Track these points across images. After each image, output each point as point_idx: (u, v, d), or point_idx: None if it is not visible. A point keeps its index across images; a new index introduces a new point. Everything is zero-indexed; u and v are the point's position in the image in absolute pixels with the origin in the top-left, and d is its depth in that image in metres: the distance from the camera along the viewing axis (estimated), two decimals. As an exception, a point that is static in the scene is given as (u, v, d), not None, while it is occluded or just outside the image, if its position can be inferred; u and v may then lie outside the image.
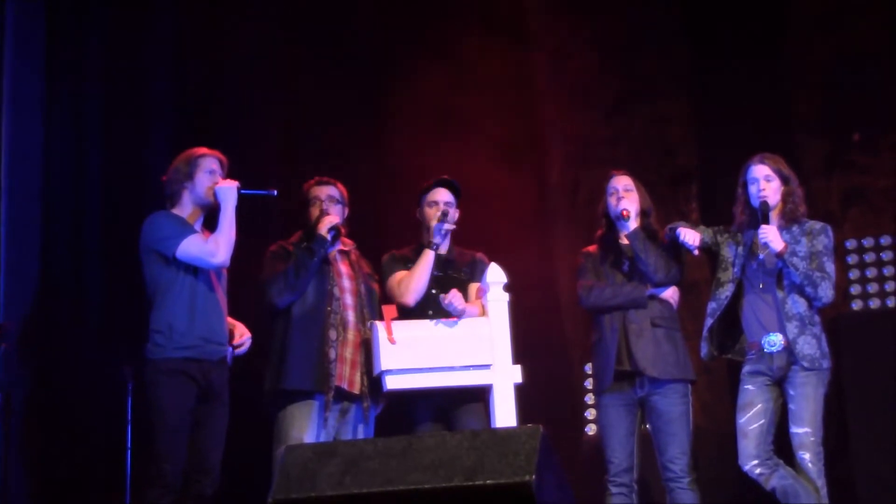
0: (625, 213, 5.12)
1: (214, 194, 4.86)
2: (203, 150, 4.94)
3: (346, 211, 5.26)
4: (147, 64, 6.51)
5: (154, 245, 4.78)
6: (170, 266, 4.76)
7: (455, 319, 4.97)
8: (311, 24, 7.07)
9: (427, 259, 5.12)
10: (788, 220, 4.99)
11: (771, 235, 4.89)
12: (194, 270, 4.78)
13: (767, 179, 4.99)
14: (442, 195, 5.23)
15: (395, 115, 7.03)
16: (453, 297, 4.99)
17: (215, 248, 4.78)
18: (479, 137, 6.98)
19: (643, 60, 7.31)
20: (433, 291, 5.15)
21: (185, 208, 4.88)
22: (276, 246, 5.16)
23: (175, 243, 4.74)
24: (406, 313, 5.09)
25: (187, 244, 4.74)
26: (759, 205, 4.96)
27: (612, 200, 5.21)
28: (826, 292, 4.88)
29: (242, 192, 4.89)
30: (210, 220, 4.94)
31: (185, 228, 4.80)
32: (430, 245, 5.13)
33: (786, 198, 5.00)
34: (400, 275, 5.16)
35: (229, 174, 4.95)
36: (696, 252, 5.08)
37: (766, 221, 4.93)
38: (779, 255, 4.89)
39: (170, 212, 4.88)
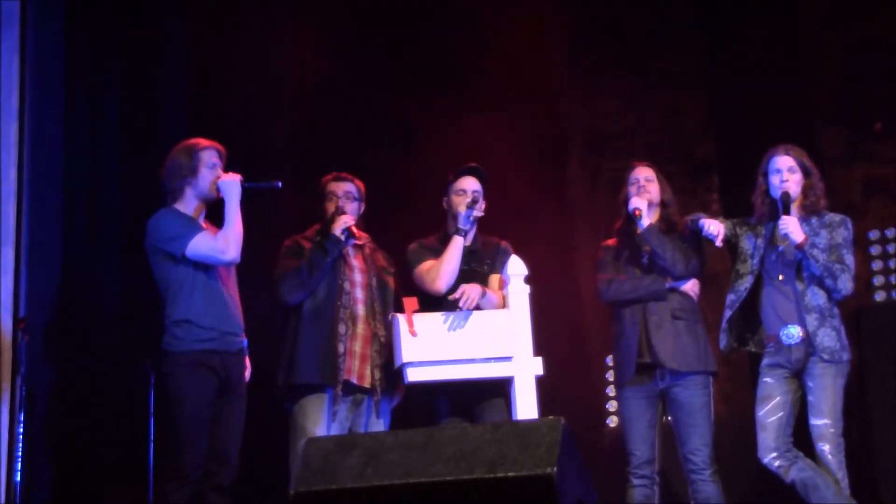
0: (637, 212, 5.11)
1: (218, 188, 4.85)
2: (202, 141, 4.91)
3: (363, 207, 5.26)
4: (163, 60, 6.52)
5: (162, 245, 4.76)
6: (179, 263, 4.75)
7: (476, 311, 4.97)
8: (327, 17, 7.07)
9: (456, 245, 5.10)
10: (808, 213, 4.97)
11: (791, 227, 4.86)
12: (205, 265, 4.78)
13: (791, 171, 4.97)
14: (470, 183, 5.20)
15: (412, 109, 7.02)
16: (465, 296, 4.94)
17: (225, 245, 4.77)
18: (498, 129, 6.97)
19: (660, 51, 7.29)
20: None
21: (189, 204, 4.86)
22: (290, 241, 5.16)
23: (184, 243, 4.73)
24: (434, 304, 5.08)
25: (196, 243, 4.73)
26: (781, 195, 4.94)
27: (632, 191, 5.20)
28: (846, 285, 4.86)
29: (246, 185, 4.87)
30: (210, 212, 4.94)
31: (193, 227, 4.79)
32: (458, 232, 5.10)
33: (807, 191, 4.97)
34: (428, 263, 5.15)
35: (238, 167, 4.94)
36: (720, 243, 5.05)
37: (788, 212, 4.91)
38: (799, 247, 4.87)
39: (174, 208, 4.85)
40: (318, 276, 4.99)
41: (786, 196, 4.94)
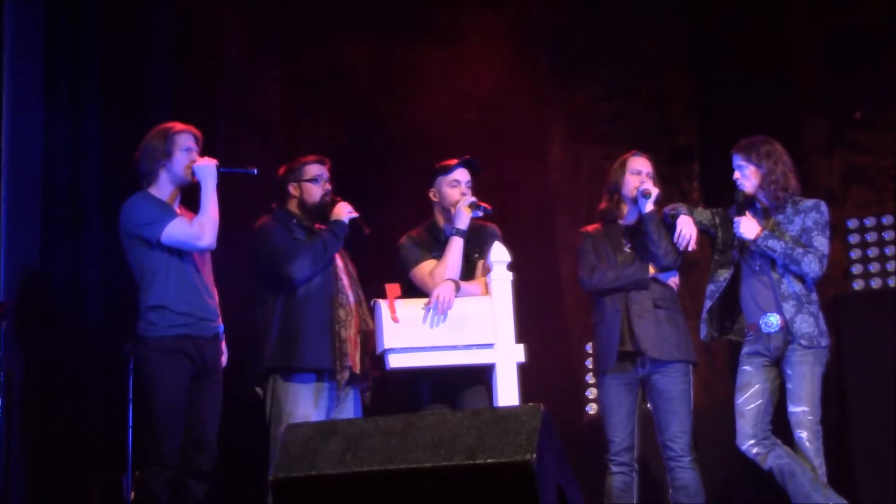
0: (647, 190, 5.10)
1: (193, 172, 4.81)
2: (178, 125, 4.88)
3: None
4: (145, 43, 6.48)
5: (136, 230, 4.73)
6: (154, 249, 4.72)
7: (458, 298, 4.97)
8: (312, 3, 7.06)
9: (457, 248, 5.06)
10: (775, 202, 4.98)
11: (742, 227, 4.93)
12: (179, 250, 4.75)
13: (739, 168, 5.03)
14: (463, 175, 5.17)
15: (393, 96, 7.01)
16: (440, 303, 4.92)
17: (200, 231, 4.74)
18: (479, 116, 6.96)
19: (644, 38, 7.28)
20: None
21: (163, 188, 4.82)
22: (267, 220, 5.08)
23: (159, 228, 4.69)
24: (417, 290, 5.07)
25: (172, 228, 4.70)
26: (735, 195, 4.99)
27: (631, 179, 5.17)
28: (811, 266, 4.88)
29: (221, 170, 4.84)
30: (186, 198, 4.91)
31: (168, 212, 4.76)
32: (459, 233, 5.07)
33: (762, 183, 4.99)
34: (428, 265, 5.11)
35: (210, 151, 4.91)
36: (688, 247, 5.05)
37: (742, 212, 4.97)
38: (752, 243, 4.92)
39: (148, 193, 4.82)
40: (328, 258, 4.96)
41: (738, 194, 5.01)
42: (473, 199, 5.10)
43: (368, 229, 5.09)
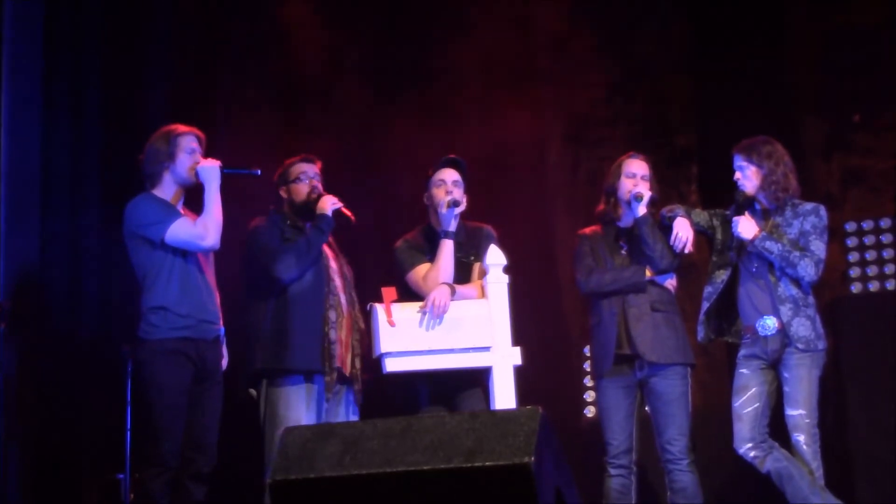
0: (638, 195, 5.09)
1: (196, 174, 4.82)
2: (181, 127, 4.89)
3: None
4: (146, 44, 6.48)
5: (140, 230, 4.74)
6: (157, 249, 4.73)
7: (455, 302, 4.97)
8: (312, 12, 7.06)
9: (448, 250, 5.07)
10: (775, 203, 4.98)
11: (741, 227, 4.93)
12: (183, 252, 4.76)
13: (740, 169, 5.02)
14: (448, 174, 5.17)
15: (392, 96, 7.01)
16: (435, 307, 4.92)
17: (204, 231, 4.75)
18: (478, 117, 6.96)
19: (643, 40, 7.27)
20: None
21: (167, 189, 4.83)
22: (260, 221, 5.07)
23: (163, 228, 4.70)
24: (413, 293, 5.07)
25: (175, 229, 4.71)
26: (735, 195, 4.98)
27: (627, 182, 5.17)
28: (806, 270, 4.88)
29: (225, 171, 4.84)
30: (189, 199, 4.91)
31: (171, 212, 4.76)
32: (447, 235, 5.08)
33: (763, 184, 4.99)
34: (423, 268, 5.11)
35: (218, 152, 4.92)
36: (684, 249, 5.05)
37: (741, 212, 4.96)
38: (750, 243, 4.92)
39: (152, 194, 4.83)
40: (314, 255, 4.95)
41: (738, 195, 5.00)
42: (451, 196, 5.09)
43: (353, 217, 5.05)
